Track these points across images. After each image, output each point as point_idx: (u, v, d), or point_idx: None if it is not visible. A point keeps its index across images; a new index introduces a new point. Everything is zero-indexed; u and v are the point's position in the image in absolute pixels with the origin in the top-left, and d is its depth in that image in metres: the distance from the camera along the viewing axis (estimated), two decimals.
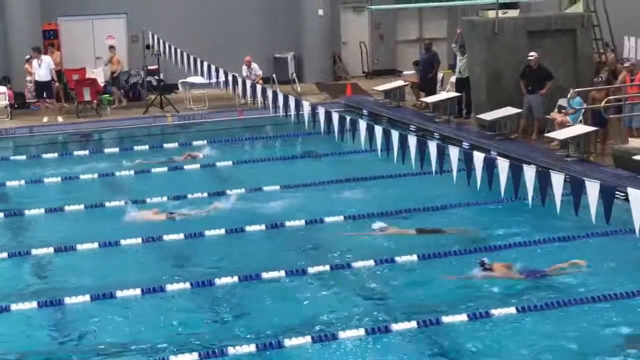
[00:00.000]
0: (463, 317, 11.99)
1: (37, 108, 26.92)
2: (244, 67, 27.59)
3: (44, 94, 26.61)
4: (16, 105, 26.74)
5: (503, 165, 12.49)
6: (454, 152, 13.33)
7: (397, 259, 14.18)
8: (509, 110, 21.41)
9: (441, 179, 14.51)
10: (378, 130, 14.91)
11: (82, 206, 17.43)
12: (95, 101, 26.39)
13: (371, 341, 11.49)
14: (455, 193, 16.98)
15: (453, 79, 24.98)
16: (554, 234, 14.83)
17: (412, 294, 13.05)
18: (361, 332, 11.63)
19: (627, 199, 10.91)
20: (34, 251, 14.86)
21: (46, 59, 26.21)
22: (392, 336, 11.59)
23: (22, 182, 19.38)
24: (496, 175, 12.60)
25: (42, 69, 26.07)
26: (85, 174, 19.81)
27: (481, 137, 21.44)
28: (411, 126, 23.54)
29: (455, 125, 23.16)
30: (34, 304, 12.70)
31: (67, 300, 12.80)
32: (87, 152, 22.52)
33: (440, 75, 26.17)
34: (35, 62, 26.11)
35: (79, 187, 19.16)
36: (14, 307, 12.61)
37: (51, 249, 14.92)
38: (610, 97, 19.52)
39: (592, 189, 11.16)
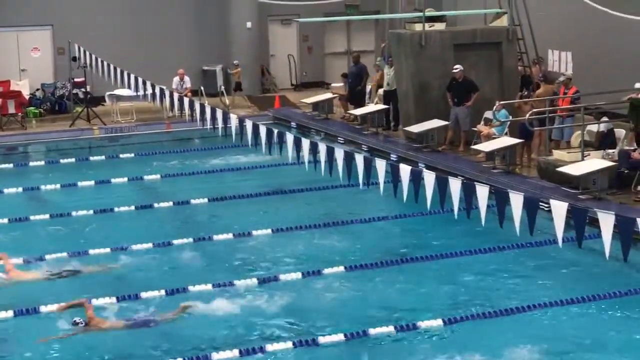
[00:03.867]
0: (390, 328, 12.03)
1: None
2: (176, 79, 27.46)
3: None
4: None
5: (429, 178, 12.59)
6: (380, 165, 13.40)
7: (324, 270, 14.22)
8: (436, 123, 21.59)
9: (368, 192, 14.58)
10: (305, 142, 14.94)
11: (5, 220, 17.18)
12: (20, 114, 26.06)
13: (298, 354, 11.50)
14: (382, 205, 17.11)
15: (381, 91, 25.12)
16: (479, 246, 14.96)
17: (339, 306, 13.07)
18: (288, 344, 11.63)
19: (550, 210, 11.06)
20: None
21: None
22: (320, 349, 11.60)
23: None
24: (423, 187, 12.69)
25: None
26: (9, 188, 19.51)
27: (409, 149, 21.59)
28: (339, 138, 23.62)
29: (383, 138, 23.29)
30: None
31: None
32: (11, 165, 22.21)
33: (368, 87, 26.31)
34: None
35: (2, 200, 18.89)
36: None
37: None
38: (535, 110, 19.77)
39: (516, 200, 11.30)
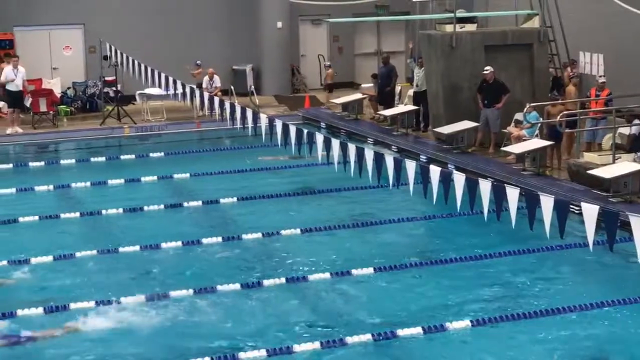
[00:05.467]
0: (418, 329, 12.00)
1: None
2: (206, 78, 27.56)
3: (16, 103, 25.53)
4: None
5: (459, 179, 12.54)
6: (410, 166, 13.36)
7: (353, 271, 14.20)
8: (466, 124, 21.52)
9: (398, 193, 14.56)
10: (335, 143, 14.92)
11: (36, 217, 17.27)
12: (51, 112, 26.22)
13: (326, 354, 11.49)
14: (411, 206, 17.09)
15: (411, 92, 25.08)
16: (508, 248, 14.90)
17: (368, 307, 13.05)
18: (316, 345, 11.62)
19: (581, 213, 10.99)
20: None
21: (22, 69, 25.59)
22: (348, 349, 11.58)
23: None
24: (453, 189, 12.65)
25: (18, 78, 25.44)
26: (41, 185, 19.62)
27: (438, 150, 21.54)
28: (369, 139, 23.60)
29: (412, 139, 23.24)
30: None
31: (20, 312, 12.67)
32: (42, 163, 22.35)
33: (398, 88, 26.28)
34: (10, 70, 25.42)
35: (33, 198, 19.00)
36: None
37: (4, 262, 14.74)
38: (566, 112, 19.68)
39: (547, 203, 11.23)
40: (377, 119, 25.76)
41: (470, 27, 22.82)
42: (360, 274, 14.18)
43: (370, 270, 14.28)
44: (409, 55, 25.16)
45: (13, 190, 19.35)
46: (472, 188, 12.31)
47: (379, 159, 13.92)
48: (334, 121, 25.93)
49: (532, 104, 20.37)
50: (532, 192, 11.88)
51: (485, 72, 21.39)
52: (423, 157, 20.94)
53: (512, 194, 11.70)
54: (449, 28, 22.57)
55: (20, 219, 17.14)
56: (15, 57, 25.92)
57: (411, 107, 24.31)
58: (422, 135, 23.61)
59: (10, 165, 22.08)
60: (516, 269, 14.35)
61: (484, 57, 22.09)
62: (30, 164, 22.36)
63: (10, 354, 11.63)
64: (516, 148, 19.59)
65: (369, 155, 14.11)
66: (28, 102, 25.87)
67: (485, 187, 12.07)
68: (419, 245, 16.01)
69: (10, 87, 25.34)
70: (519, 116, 21.01)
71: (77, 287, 13.83)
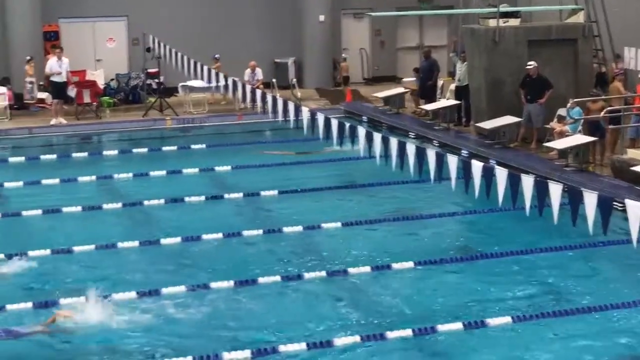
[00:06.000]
0: (458, 325, 11.97)
1: (37, 109, 26.88)
2: (248, 71, 27.65)
3: (60, 94, 25.78)
4: (16, 106, 26.73)
5: (501, 174, 12.47)
6: (452, 160, 13.32)
7: (394, 265, 14.19)
8: (508, 119, 21.42)
9: (439, 187, 14.53)
10: (377, 137, 14.90)
11: (79, 208, 17.41)
12: (94, 103, 26.41)
13: (366, 348, 11.49)
14: (453, 201, 17.04)
15: (453, 86, 25.00)
16: (550, 244, 14.82)
17: (408, 301, 13.03)
18: (356, 338, 11.62)
19: (625, 210, 10.89)
20: (30, 252, 14.81)
21: (66, 60, 25.81)
22: (388, 343, 11.57)
23: (21, 183, 19.35)
24: (494, 184, 12.59)
25: (63, 70, 25.58)
26: (83, 176, 19.77)
27: (480, 145, 21.45)
28: (410, 133, 23.54)
29: (454, 133, 23.17)
30: (29, 304, 12.67)
31: (62, 300, 12.77)
32: (85, 154, 22.52)
33: (440, 82, 26.20)
34: (55, 62, 25.70)
35: (77, 189, 19.15)
36: (8, 307, 12.58)
37: (48, 251, 14.88)
38: (609, 108, 19.52)
39: (590, 199, 11.15)
40: (419, 113, 25.71)
41: (514, 22, 22.70)
42: (400, 268, 14.16)
43: (411, 264, 14.25)
44: (452, 49, 25.09)
45: (57, 180, 19.53)
46: (514, 183, 12.24)
47: (420, 153, 13.88)
48: (376, 115, 25.90)
49: (576, 100, 20.22)
50: (575, 189, 11.80)
51: (528, 67, 21.26)
52: (464, 152, 20.86)
53: (555, 190, 11.61)
54: (492, 22, 22.47)
55: (64, 209, 17.29)
56: (59, 48, 26.12)
57: (453, 102, 24.23)
58: (464, 130, 23.52)
59: (54, 156, 22.29)
60: (558, 266, 14.26)
61: (527, 52, 21.96)
62: (74, 154, 22.58)
63: (54, 341, 11.73)
64: (559, 144, 19.46)
65: (410, 149, 14.08)
66: (72, 93, 26.07)
67: (527, 182, 12.00)
68: (460, 240, 15.98)
69: (54, 78, 25.56)
70: (562, 112, 20.85)
71: (119, 277, 13.92)
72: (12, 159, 22.03)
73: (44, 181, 19.45)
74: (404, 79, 29.28)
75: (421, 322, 12.05)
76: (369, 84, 31.26)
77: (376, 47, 32.42)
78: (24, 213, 17.13)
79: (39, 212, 17.18)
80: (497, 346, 11.55)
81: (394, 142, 14.42)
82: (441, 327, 11.87)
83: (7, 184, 19.25)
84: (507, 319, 12.13)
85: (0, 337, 11.77)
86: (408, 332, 11.73)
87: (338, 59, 31.15)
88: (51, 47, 27.12)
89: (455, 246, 15.37)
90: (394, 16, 30.56)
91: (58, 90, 25.68)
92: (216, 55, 28.38)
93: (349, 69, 31.02)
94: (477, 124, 22.27)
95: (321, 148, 20.73)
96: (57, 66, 25.43)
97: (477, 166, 12.79)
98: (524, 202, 12.08)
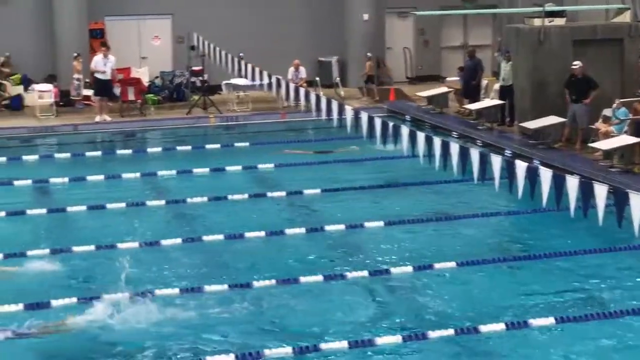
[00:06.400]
0: (501, 326, 11.91)
1: (82, 106, 27.09)
2: (291, 70, 27.69)
3: (103, 92, 25.98)
4: (61, 103, 26.97)
5: (545, 175, 12.41)
6: (496, 160, 13.27)
7: (436, 265, 14.16)
8: (553, 119, 21.28)
9: (482, 187, 14.48)
10: (420, 136, 14.88)
11: (123, 205, 17.53)
12: (139, 101, 26.58)
13: (407, 348, 11.47)
14: (496, 201, 16.97)
15: (497, 86, 24.88)
16: (595, 245, 14.70)
17: (450, 301, 12.99)
18: (398, 338, 11.61)
19: None
20: (74, 248, 14.95)
21: (112, 58, 26.00)
22: (429, 343, 11.55)
23: (66, 179, 19.52)
24: (538, 185, 12.52)
25: (108, 67, 25.84)
26: (128, 173, 19.92)
27: (524, 145, 21.33)
28: (453, 133, 23.47)
29: (498, 133, 23.06)
30: (74, 300, 12.78)
31: (106, 296, 12.87)
32: (130, 151, 22.68)
33: (484, 82, 26.08)
34: (100, 59, 25.91)
35: (121, 185, 19.30)
36: (54, 303, 12.69)
37: (92, 247, 15.00)
38: None
39: (636, 201, 11.06)
40: (462, 113, 25.62)
41: (559, 21, 22.56)
42: (442, 267, 14.11)
43: (453, 264, 14.19)
44: (496, 49, 24.99)
45: (101, 177, 19.68)
46: (558, 184, 12.18)
47: (464, 153, 13.84)
48: (419, 114, 25.85)
49: (621, 100, 20.05)
50: (621, 190, 11.70)
51: (574, 66, 21.11)
52: (508, 152, 20.75)
53: (600, 191, 11.53)
54: (537, 22, 22.33)
55: (108, 206, 17.42)
56: (106, 46, 26.29)
57: (497, 102, 24.12)
58: (508, 130, 23.40)
59: (99, 153, 22.46)
60: (603, 267, 14.13)
61: (572, 52, 21.80)
62: (118, 151, 22.75)
63: (100, 338, 11.81)
64: (604, 144, 19.30)
65: (454, 149, 14.05)
66: (117, 90, 26.26)
67: (572, 183, 11.93)
68: (503, 240, 15.89)
69: (98, 75, 25.75)
70: (607, 112, 20.69)
71: (161, 274, 14.00)
72: (57, 155, 22.24)
73: (89, 177, 19.61)
74: (447, 78, 29.19)
75: (463, 322, 12.01)
76: (413, 83, 31.18)
77: (420, 46, 32.35)
78: (69, 209, 17.28)
79: (84, 208, 17.33)
80: (540, 347, 11.48)
81: (437, 141, 14.40)
82: (483, 328, 11.81)
83: (52, 180, 19.43)
84: (550, 320, 12.05)
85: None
86: (450, 332, 11.69)
87: (382, 58, 31.11)
88: (100, 45, 27.33)
89: (498, 246, 15.30)
90: (439, 15, 30.47)
91: (102, 87, 25.86)
92: (240, 54, 28.39)
93: (379, 68, 30.98)
94: (521, 124, 22.15)
95: (340, 147, 21.12)
96: (102, 63, 25.61)
97: (521, 166, 12.74)
98: (568, 203, 12.02)
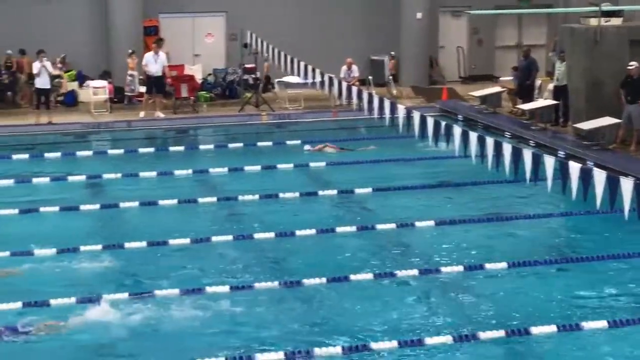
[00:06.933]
0: (552, 328, 11.81)
1: (136, 103, 27.27)
2: (344, 68, 27.68)
3: (154, 88, 26.12)
4: (115, 100, 27.20)
5: (599, 176, 12.28)
6: (549, 161, 13.16)
7: (487, 265, 14.06)
8: (608, 120, 21.05)
9: (535, 188, 14.37)
10: (473, 136, 14.80)
11: (175, 201, 17.63)
12: (192, 97, 26.72)
13: (457, 348, 11.41)
14: (548, 202, 16.83)
15: (551, 86, 24.68)
16: None
17: (500, 302, 12.90)
18: (448, 338, 11.55)
19: None
20: (126, 244, 15.06)
21: (162, 54, 26.19)
22: (480, 344, 11.48)
23: (119, 175, 19.67)
24: (592, 186, 12.40)
25: (158, 64, 26.04)
26: (180, 170, 20.02)
27: (578, 146, 21.12)
28: (506, 133, 23.30)
29: (551, 134, 22.86)
30: (125, 295, 12.86)
31: (157, 292, 12.95)
32: (182, 147, 22.80)
33: (538, 82, 25.88)
34: (151, 56, 26.08)
35: (173, 182, 19.41)
36: (105, 297, 12.77)
37: (144, 243, 15.10)
38: None
39: None
40: (516, 113, 25.44)
41: (616, 21, 22.30)
42: (493, 268, 14.03)
43: (504, 264, 14.11)
44: (551, 48, 24.77)
45: (154, 173, 19.81)
46: (612, 186, 12.05)
47: (516, 153, 13.75)
48: (472, 114, 25.70)
49: None
50: None
51: (630, 67, 20.87)
52: (561, 153, 20.56)
53: None
54: (593, 22, 22.11)
55: (160, 202, 17.52)
56: (155, 43, 26.44)
57: (551, 102, 23.92)
58: (561, 131, 23.20)
59: (152, 149, 22.61)
60: None
61: (629, 52, 21.54)
62: (171, 148, 22.88)
63: (149, 332, 11.90)
64: None
65: (506, 149, 13.96)
66: (168, 87, 26.41)
67: (626, 185, 11.80)
68: (555, 241, 15.76)
69: (149, 72, 25.91)
70: None
71: (212, 271, 14.05)
72: (111, 151, 22.41)
73: (142, 174, 19.75)
74: (501, 78, 29.02)
75: (514, 324, 11.92)
76: (466, 83, 31.03)
77: (474, 45, 32.17)
78: (121, 205, 17.40)
79: (136, 204, 17.44)
80: (592, 350, 11.36)
81: (489, 141, 14.31)
82: (534, 330, 11.72)
83: (105, 176, 19.59)
84: (603, 323, 11.93)
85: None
86: (500, 334, 11.62)
87: (435, 57, 30.99)
88: (157, 41, 27.54)
89: (550, 248, 15.17)
90: (493, 14, 30.28)
91: (152, 83, 26.04)
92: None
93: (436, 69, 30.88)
94: (576, 125, 21.93)
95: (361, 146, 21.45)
96: (152, 60, 25.79)
97: (574, 167, 12.63)
98: (622, 205, 11.88)
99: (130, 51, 27.26)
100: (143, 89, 27.12)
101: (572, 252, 14.88)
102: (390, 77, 29.05)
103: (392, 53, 29.25)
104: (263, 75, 28.31)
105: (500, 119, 24.96)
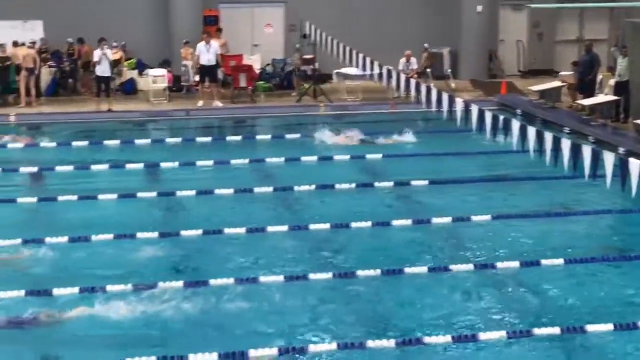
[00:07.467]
0: (609, 326, 11.68)
1: (194, 92, 27.44)
2: (402, 60, 27.61)
3: (206, 78, 26.47)
4: (174, 89, 27.39)
5: None
6: (608, 157, 13.02)
7: (543, 261, 13.95)
8: None
9: (593, 184, 14.23)
10: (531, 130, 14.69)
11: (231, 190, 17.70)
12: (250, 87, 26.81)
13: (512, 344, 11.33)
14: (607, 199, 16.65)
15: (612, 81, 24.39)
16: None
17: (556, 299, 12.79)
18: (502, 333, 11.48)
19: None
20: (182, 232, 15.16)
21: (214, 44, 26.37)
22: (534, 340, 11.39)
23: (176, 163, 19.80)
24: None
25: (210, 53, 26.25)
26: (236, 159, 20.10)
27: (638, 143, 20.85)
28: (565, 128, 23.07)
29: (611, 130, 22.60)
30: (180, 283, 12.94)
31: (212, 282, 13.02)
32: (239, 137, 22.89)
33: (599, 77, 25.59)
34: (203, 46, 26.29)
35: (229, 171, 19.49)
36: (161, 285, 12.87)
37: (200, 231, 15.19)
38: None
39: None
40: (575, 108, 25.18)
41: None
42: (550, 264, 13.90)
43: (561, 261, 13.97)
44: (613, 43, 24.50)
45: (211, 162, 19.91)
46: None
47: (575, 149, 13.62)
48: (530, 108, 25.49)
49: None
50: None
51: None
52: (621, 150, 20.32)
53: None
54: None
55: (216, 191, 17.61)
56: (206, 33, 26.59)
57: (612, 97, 23.64)
58: (622, 127, 22.93)
59: (209, 139, 22.73)
60: None
61: None
62: (228, 137, 22.99)
63: (203, 321, 11.97)
64: None
65: (565, 144, 13.84)
66: (221, 76, 26.50)
67: None
68: (613, 238, 15.60)
69: (201, 61, 26.07)
70: None
71: (267, 260, 14.10)
72: (169, 140, 22.57)
73: (199, 162, 19.87)
74: (561, 73, 28.75)
75: (569, 321, 11.81)
76: (525, 77, 30.79)
77: (534, 39, 31.92)
78: (178, 193, 17.52)
79: (193, 192, 17.55)
80: None
81: (548, 136, 14.19)
82: (590, 328, 11.60)
83: (163, 164, 19.74)
84: None
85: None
86: (556, 331, 11.51)
87: (494, 50, 30.79)
88: (215, 32, 27.70)
89: (608, 245, 15.01)
90: (554, 8, 30.00)
91: (205, 73, 26.18)
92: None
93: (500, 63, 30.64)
94: (637, 121, 21.67)
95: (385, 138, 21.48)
96: (204, 50, 25.94)
97: (634, 164, 12.48)
98: None
99: (184, 41, 27.40)
100: (197, 79, 27.30)
101: (630, 250, 14.70)
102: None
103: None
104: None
105: (560, 114, 24.73)
